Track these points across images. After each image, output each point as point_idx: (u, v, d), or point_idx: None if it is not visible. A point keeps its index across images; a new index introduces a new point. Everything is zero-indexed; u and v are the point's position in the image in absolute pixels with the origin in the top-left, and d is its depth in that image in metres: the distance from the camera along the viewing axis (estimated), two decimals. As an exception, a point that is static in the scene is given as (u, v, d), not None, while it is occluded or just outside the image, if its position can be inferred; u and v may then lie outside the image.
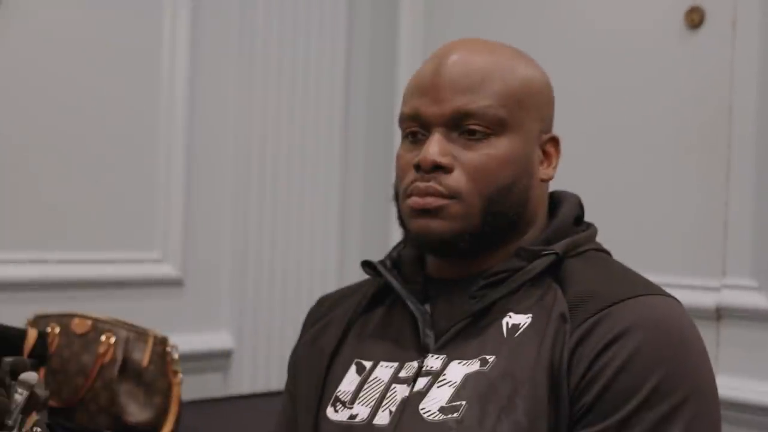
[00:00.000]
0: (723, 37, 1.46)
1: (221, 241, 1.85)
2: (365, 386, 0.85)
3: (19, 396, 0.92)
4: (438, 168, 0.75)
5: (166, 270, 1.72)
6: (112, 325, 1.35)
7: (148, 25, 1.60)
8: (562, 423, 0.73)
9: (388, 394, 0.81)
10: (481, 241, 0.78)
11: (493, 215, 0.77)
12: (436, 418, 0.76)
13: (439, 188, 0.76)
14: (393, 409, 0.79)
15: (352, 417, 0.82)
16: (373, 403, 0.82)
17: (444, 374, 0.78)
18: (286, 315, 1.88)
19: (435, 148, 0.75)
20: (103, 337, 1.32)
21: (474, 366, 0.77)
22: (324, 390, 0.87)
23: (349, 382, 0.85)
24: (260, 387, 1.80)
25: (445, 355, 0.79)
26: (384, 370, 0.84)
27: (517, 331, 0.77)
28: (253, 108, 1.82)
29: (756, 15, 1.39)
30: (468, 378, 0.77)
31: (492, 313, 0.78)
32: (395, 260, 0.88)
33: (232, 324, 1.85)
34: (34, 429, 0.91)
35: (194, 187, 1.76)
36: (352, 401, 0.84)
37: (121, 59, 1.57)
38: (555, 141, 0.82)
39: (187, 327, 1.67)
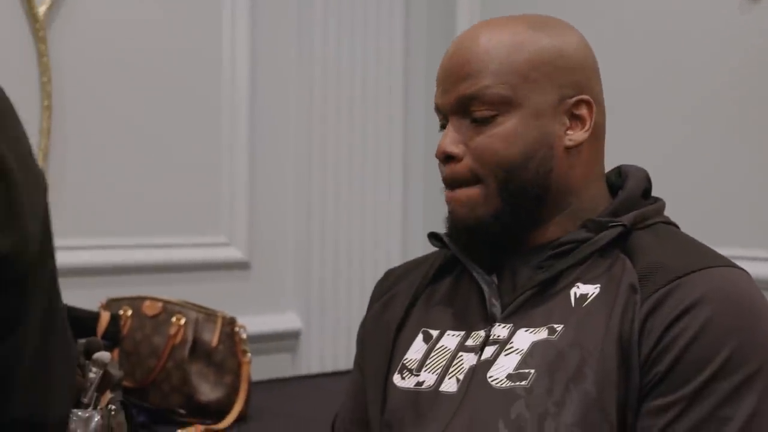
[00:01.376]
0: None
1: (286, 223, 1.91)
2: (432, 354, 0.86)
3: (94, 375, 1.00)
4: (450, 158, 0.79)
5: (232, 253, 1.76)
6: (182, 307, 1.40)
7: (208, 22, 1.69)
8: (631, 394, 0.74)
9: (455, 362, 0.83)
10: (512, 219, 0.80)
11: (510, 193, 0.79)
12: (503, 386, 0.77)
13: (458, 175, 0.80)
14: (460, 377, 0.81)
15: (419, 384, 0.84)
16: (439, 370, 0.84)
17: (511, 342, 0.79)
18: (352, 294, 1.91)
19: (446, 139, 0.79)
20: (173, 319, 1.37)
21: (542, 334, 0.78)
22: (391, 359, 0.89)
23: (416, 350, 0.87)
24: (328, 367, 1.84)
25: (511, 324, 0.80)
26: (451, 339, 0.85)
27: (585, 301, 0.78)
28: (314, 97, 1.86)
29: None
30: (536, 346, 0.78)
31: (559, 283, 0.79)
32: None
33: (299, 305, 1.89)
34: (109, 407, 0.96)
35: (258, 172, 1.81)
36: (419, 369, 0.85)
37: (185, 54, 1.67)
38: (586, 103, 0.81)
39: (254, 309, 1.71)
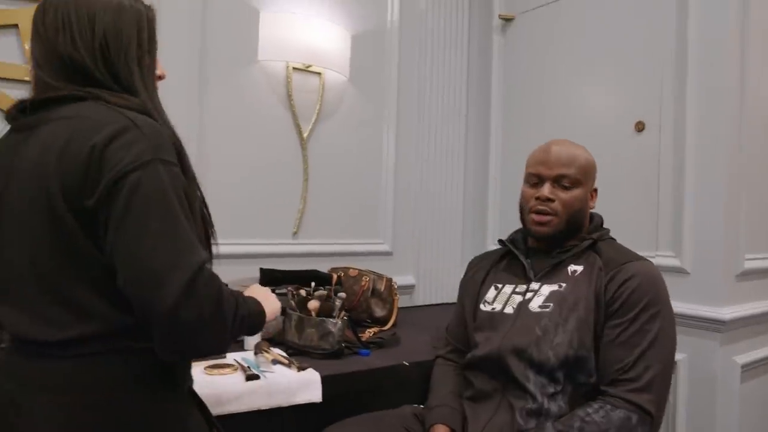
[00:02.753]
0: (654, 137, 1.93)
1: (412, 228, 2.48)
2: (499, 295, 1.31)
3: (338, 302, 1.64)
4: (548, 200, 1.25)
5: (384, 247, 2.43)
6: (367, 273, 2.03)
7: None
8: (600, 318, 1.16)
9: (510, 299, 1.28)
10: (562, 236, 1.27)
11: (568, 224, 1.27)
12: (536, 310, 1.23)
13: (548, 210, 1.25)
14: (514, 306, 1.27)
15: (493, 309, 1.30)
16: (503, 302, 1.28)
17: (540, 291, 1.25)
18: (445, 272, 2.58)
19: (547, 190, 1.26)
20: (364, 278, 2.00)
21: (554, 287, 1.23)
22: (478, 298, 1.36)
23: (491, 294, 1.33)
24: (429, 301, 2.53)
25: (540, 282, 1.26)
26: (508, 288, 1.32)
27: (576, 273, 1.24)
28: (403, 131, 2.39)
29: (671, 123, 1.90)
30: (552, 293, 1.22)
31: (563, 264, 1.26)
32: (512, 238, 1.41)
33: (415, 271, 2.53)
34: (343, 317, 1.60)
35: (401, 198, 2.42)
36: (492, 302, 1.31)
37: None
38: (596, 190, 1.30)
39: (395, 274, 2.24)
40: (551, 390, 1.16)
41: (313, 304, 1.66)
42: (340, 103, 2.33)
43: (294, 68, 2.24)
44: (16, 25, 1.68)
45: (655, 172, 1.96)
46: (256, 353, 1.55)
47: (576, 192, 1.26)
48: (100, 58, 0.90)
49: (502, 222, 2.64)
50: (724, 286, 1.79)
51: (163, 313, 0.76)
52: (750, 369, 1.92)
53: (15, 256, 0.86)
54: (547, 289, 1.25)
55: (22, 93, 0.99)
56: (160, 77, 0.99)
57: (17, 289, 0.86)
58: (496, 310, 1.29)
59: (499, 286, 1.33)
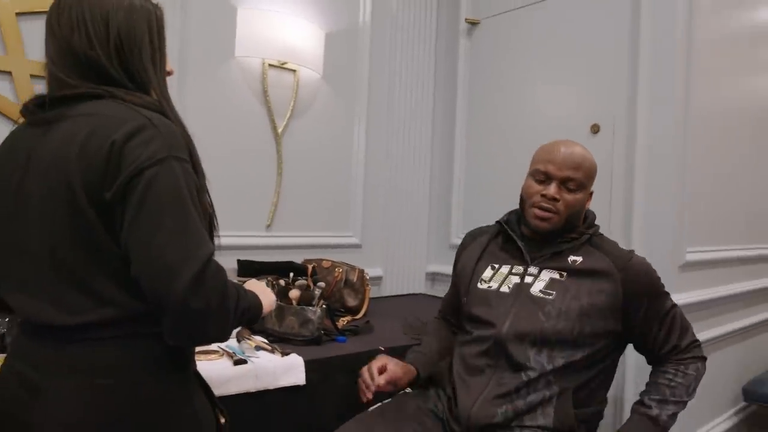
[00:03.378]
0: (608, 139, 2.08)
1: (381, 221, 2.57)
2: (495, 275, 1.37)
3: (317, 292, 1.75)
4: (554, 199, 1.30)
5: (353, 240, 2.54)
6: (340, 264, 2.14)
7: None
8: (618, 306, 1.29)
9: (507, 279, 1.34)
10: (558, 232, 1.33)
11: (566, 222, 1.33)
12: (539, 296, 1.30)
13: (552, 208, 1.30)
14: (510, 286, 1.33)
15: (490, 287, 1.36)
16: (500, 281, 1.35)
17: (540, 276, 1.31)
18: (411, 264, 2.69)
19: (553, 190, 1.30)
20: (337, 269, 2.11)
21: (555, 275, 1.31)
22: (473, 275, 1.41)
23: (488, 273, 1.39)
24: (397, 292, 2.67)
25: (539, 267, 1.33)
26: (505, 268, 1.38)
27: (576, 263, 1.32)
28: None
29: (623, 127, 2.05)
30: (554, 280, 1.30)
31: (563, 254, 1.33)
32: (507, 219, 1.45)
33: (382, 263, 2.66)
34: (322, 305, 1.71)
35: (370, 193, 2.51)
36: (489, 281, 1.37)
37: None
38: (592, 192, 1.37)
39: (365, 265, 2.35)
40: (549, 368, 1.25)
41: (294, 293, 1.74)
42: (313, 99, 2.42)
43: (270, 65, 2.30)
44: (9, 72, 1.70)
45: (608, 172, 2.09)
46: (239, 340, 1.62)
47: (579, 195, 1.33)
48: (115, 56, 0.92)
49: (465, 220, 2.73)
50: (671, 276, 1.95)
51: (174, 302, 0.80)
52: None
53: (34, 245, 0.88)
54: (547, 275, 1.32)
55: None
56: (169, 73, 1.03)
57: (36, 277, 0.89)
58: (492, 288, 1.36)
59: (496, 266, 1.40)
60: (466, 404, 1.28)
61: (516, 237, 1.38)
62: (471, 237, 1.51)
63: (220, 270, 0.86)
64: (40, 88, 1.04)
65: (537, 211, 1.31)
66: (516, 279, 1.32)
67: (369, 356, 1.60)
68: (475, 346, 1.32)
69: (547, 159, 1.32)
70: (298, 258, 2.24)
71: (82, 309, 0.86)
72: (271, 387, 1.44)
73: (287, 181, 2.32)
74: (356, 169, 2.53)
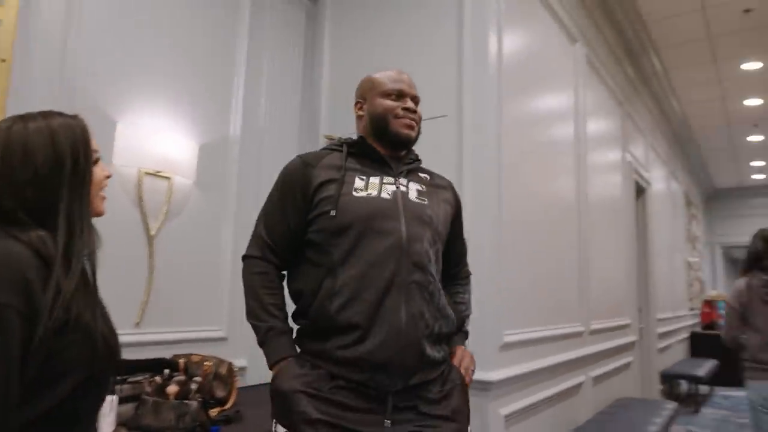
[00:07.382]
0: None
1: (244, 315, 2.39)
2: (369, 183, 1.37)
3: (194, 386, 1.95)
4: (414, 111, 1.43)
5: (220, 333, 2.66)
6: (209, 358, 2.21)
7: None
8: (451, 218, 1.49)
9: (383, 187, 1.37)
10: (412, 144, 1.46)
11: (418, 133, 1.46)
12: (418, 201, 1.38)
13: (416, 118, 1.42)
14: (389, 192, 1.35)
15: (369, 195, 1.34)
16: (376, 189, 1.36)
17: (409, 186, 1.39)
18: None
19: (412, 104, 1.43)
20: (206, 362, 2.17)
21: (419, 187, 1.41)
22: (341, 187, 1.34)
23: (360, 182, 1.37)
24: (261, 381, 2.65)
25: (407, 179, 1.41)
26: (375, 178, 1.39)
27: (426, 179, 1.46)
28: None
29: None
30: (419, 191, 1.40)
31: (414, 171, 1.46)
32: (349, 142, 1.45)
33: (247, 354, 2.70)
34: (198, 398, 1.88)
35: (237, 290, 2.68)
36: (365, 189, 1.35)
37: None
38: None
39: (231, 357, 2.46)
40: (436, 269, 1.36)
41: (171, 389, 1.87)
42: (186, 203, 2.61)
43: (146, 173, 2.48)
44: None
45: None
46: (116, 439, 1.69)
47: (418, 108, 1.49)
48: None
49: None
50: (492, 355, 2.34)
51: None
52: (511, 417, 2.48)
53: None
54: (414, 186, 1.42)
55: None
56: (107, 177, 1.03)
57: None
58: (372, 195, 1.34)
59: (364, 178, 1.38)
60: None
61: (382, 155, 1.42)
62: (310, 160, 1.41)
63: None
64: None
65: (407, 121, 1.39)
66: (391, 188, 1.36)
67: (244, 443, 1.77)
68: (383, 260, 1.29)
69: (396, 79, 1.44)
70: (167, 353, 2.29)
71: None
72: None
73: (158, 280, 2.42)
74: (224, 267, 2.69)
